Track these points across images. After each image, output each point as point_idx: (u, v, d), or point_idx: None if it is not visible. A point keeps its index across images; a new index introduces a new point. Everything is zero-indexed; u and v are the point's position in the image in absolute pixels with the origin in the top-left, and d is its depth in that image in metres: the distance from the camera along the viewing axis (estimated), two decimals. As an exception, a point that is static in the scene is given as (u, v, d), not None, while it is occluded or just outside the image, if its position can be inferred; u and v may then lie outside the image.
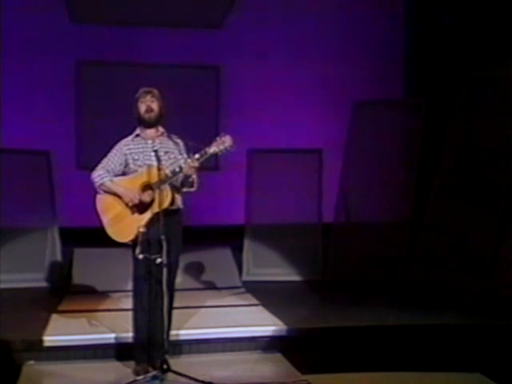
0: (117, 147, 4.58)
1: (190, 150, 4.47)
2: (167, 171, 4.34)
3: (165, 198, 4.30)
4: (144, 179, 4.39)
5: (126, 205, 4.42)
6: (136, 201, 4.38)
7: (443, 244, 6.68)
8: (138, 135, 4.57)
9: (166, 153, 4.49)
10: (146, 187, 4.38)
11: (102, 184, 4.49)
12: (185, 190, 4.49)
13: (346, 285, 6.73)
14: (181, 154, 4.53)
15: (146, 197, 4.38)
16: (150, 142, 4.49)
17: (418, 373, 4.78)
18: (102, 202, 4.51)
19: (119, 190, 4.45)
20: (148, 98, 4.49)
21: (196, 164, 4.32)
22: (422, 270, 6.77)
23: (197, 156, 4.32)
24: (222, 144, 4.29)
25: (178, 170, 4.33)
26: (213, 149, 4.29)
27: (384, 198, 7.10)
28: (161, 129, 4.57)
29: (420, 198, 7.09)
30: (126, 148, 4.54)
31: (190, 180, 4.41)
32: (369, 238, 7.02)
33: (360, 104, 7.42)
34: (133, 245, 4.35)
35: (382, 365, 4.86)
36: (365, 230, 7.08)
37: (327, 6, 7.92)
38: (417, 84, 7.83)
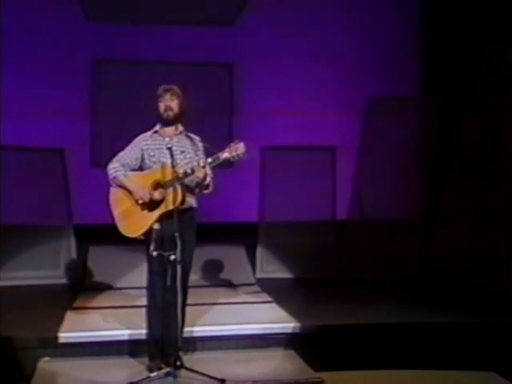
0: (135, 141, 4.59)
1: (208, 153, 4.47)
2: (179, 171, 4.35)
3: (175, 197, 4.29)
4: (156, 177, 4.40)
5: (136, 201, 4.44)
6: (146, 199, 4.40)
7: (457, 242, 6.64)
8: (156, 131, 4.58)
9: (182, 152, 4.49)
10: (158, 185, 4.40)
11: (115, 177, 4.51)
12: (198, 192, 4.50)
13: (359, 282, 6.71)
14: (197, 155, 4.53)
15: (157, 195, 4.39)
16: (167, 139, 4.45)
17: (432, 371, 4.78)
18: (114, 195, 4.54)
19: (131, 186, 4.46)
20: (167, 97, 4.49)
21: (208, 168, 4.33)
22: (435, 267, 6.74)
23: (209, 160, 4.33)
24: (234, 151, 4.28)
25: (189, 171, 4.33)
26: (225, 154, 4.29)
27: (398, 196, 7.08)
28: (180, 127, 4.58)
29: (434, 196, 7.06)
30: (143, 143, 4.55)
31: (205, 183, 4.41)
32: (383, 236, 7.00)
33: (374, 101, 7.39)
34: (147, 241, 4.37)
35: (395, 362, 4.86)
36: (379, 228, 7.06)
37: (341, 3, 7.89)
38: (432, 81, 7.79)
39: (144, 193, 4.41)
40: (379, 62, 7.85)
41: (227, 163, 4.40)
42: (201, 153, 4.57)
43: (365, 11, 7.86)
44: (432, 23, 7.83)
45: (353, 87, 7.75)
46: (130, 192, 4.46)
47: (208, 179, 4.39)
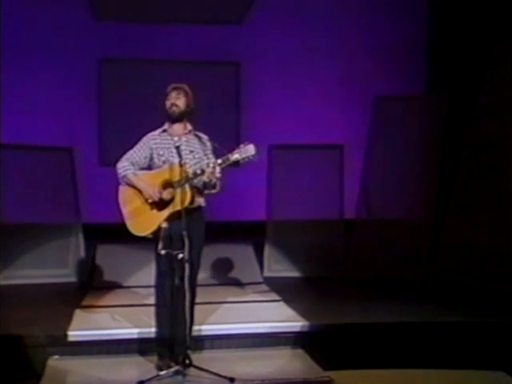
0: (144, 140, 4.60)
1: (216, 153, 4.49)
2: (189, 171, 4.36)
3: (184, 197, 4.31)
4: (166, 176, 4.42)
5: (146, 200, 4.46)
6: (155, 198, 4.42)
7: (465, 242, 6.63)
8: (165, 130, 4.60)
9: (191, 152, 4.51)
10: (167, 185, 4.41)
11: (124, 176, 4.53)
12: (206, 192, 4.52)
13: (367, 281, 6.71)
14: (205, 154, 4.55)
15: (166, 195, 4.41)
16: (176, 138, 4.47)
17: (440, 370, 4.77)
18: (123, 193, 4.56)
19: (140, 185, 4.48)
20: (173, 95, 4.52)
21: (217, 169, 4.33)
22: (443, 267, 6.73)
23: (219, 161, 4.34)
24: (244, 152, 4.30)
25: (199, 172, 4.35)
26: (235, 156, 4.30)
27: (406, 195, 7.06)
28: (189, 126, 4.59)
29: (442, 195, 7.05)
30: (152, 142, 4.57)
31: (212, 183, 4.43)
32: (390, 235, 6.98)
33: (381, 99, 7.38)
34: (155, 240, 4.39)
35: (403, 362, 4.85)
36: (387, 227, 7.04)
37: (348, 1, 7.88)
38: (439, 79, 7.77)
39: (153, 192, 4.42)
40: (387, 60, 7.85)
41: (236, 164, 4.41)
42: (210, 152, 4.58)
43: (372, 10, 7.86)
44: (439, 21, 7.82)
45: (360, 86, 7.75)
46: (139, 191, 4.48)
47: (214, 180, 4.40)
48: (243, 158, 4.30)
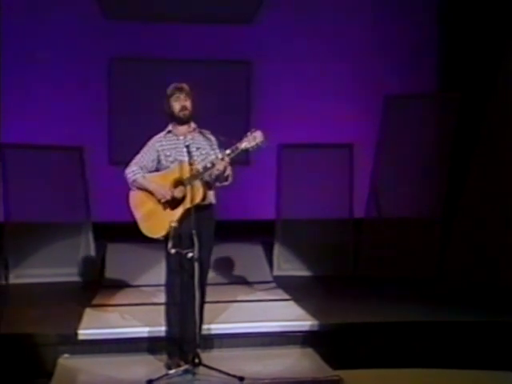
0: (149, 144, 4.62)
1: (222, 146, 4.49)
2: (199, 167, 4.37)
3: (196, 193, 4.33)
4: (176, 175, 4.43)
5: (158, 201, 4.47)
6: (168, 197, 4.43)
7: (475, 241, 6.60)
8: (170, 131, 4.61)
9: (197, 149, 4.52)
10: (178, 183, 4.42)
11: (134, 180, 4.55)
12: (219, 184, 4.52)
13: (377, 280, 6.69)
14: (212, 149, 4.56)
15: (178, 193, 4.42)
16: (181, 137, 4.51)
17: (448, 370, 4.76)
18: (135, 197, 4.57)
19: (151, 187, 4.49)
20: (182, 96, 4.52)
21: (227, 160, 4.34)
22: (453, 266, 6.70)
23: (228, 151, 4.35)
24: (253, 140, 4.29)
25: (209, 165, 4.35)
26: (244, 144, 4.30)
27: (416, 194, 7.03)
28: (193, 125, 4.61)
29: (452, 194, 7.02)
30: (158, 144, 4.58)
31: (225, 175, 4.43)
32: (400, 234, 6.97)
33: (392, 98, 7.35)
34: (165, 239, 4.39)
35: (413, 361, 4.85)
36: (396, 226, 7.03)
37: (358, 1, 7.87)
38: (451, 78, 7.74)
39: (165, 191, 4.43)
40: (397, 59, 7.83)
41: (245, 154, 4.39)
42: (216, 147, 4.59)
43: (382, 9, 7.84)
44: (451, 19, 7.78)
45: (370, 84, 7.73)
46: (151, 193, 4.49)
47: (228, 171, 4.40)
48: (252, 146, 4.30)
